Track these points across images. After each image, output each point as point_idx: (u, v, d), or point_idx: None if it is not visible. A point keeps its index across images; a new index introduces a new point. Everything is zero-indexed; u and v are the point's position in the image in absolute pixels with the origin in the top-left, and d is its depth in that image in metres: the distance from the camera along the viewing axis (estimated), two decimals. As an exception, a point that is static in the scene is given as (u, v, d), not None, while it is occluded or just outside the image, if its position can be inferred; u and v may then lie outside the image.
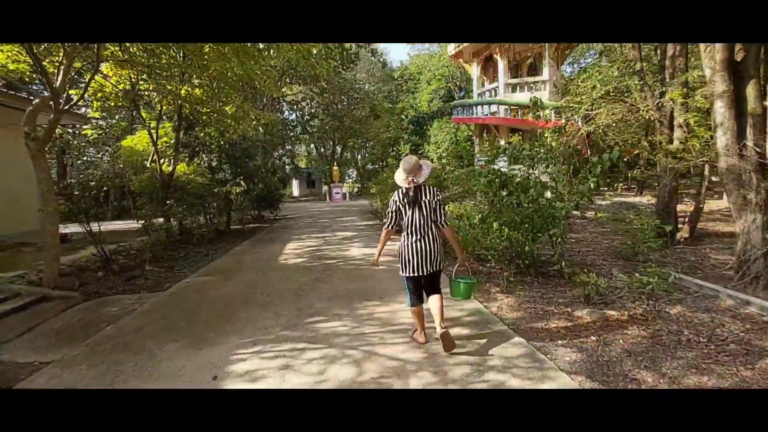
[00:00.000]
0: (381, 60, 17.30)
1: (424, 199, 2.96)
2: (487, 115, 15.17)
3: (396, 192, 3.08)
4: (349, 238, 9.33)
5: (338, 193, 27.50)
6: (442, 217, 3.00)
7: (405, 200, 2.98)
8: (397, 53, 75.81)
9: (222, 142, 9.88)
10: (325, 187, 33.51)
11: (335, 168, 28.55)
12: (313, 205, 24.69)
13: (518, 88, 15.33)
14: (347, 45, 17.87)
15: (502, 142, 15.41)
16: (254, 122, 9.44)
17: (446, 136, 27.14)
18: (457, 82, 27.00)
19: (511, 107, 14.45)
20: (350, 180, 47.12)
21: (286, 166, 33.40)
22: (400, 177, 3.02)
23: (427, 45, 28.61)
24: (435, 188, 3.06)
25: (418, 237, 2.94)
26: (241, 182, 9.57)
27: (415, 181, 2.93)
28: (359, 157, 43.68)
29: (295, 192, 44.03)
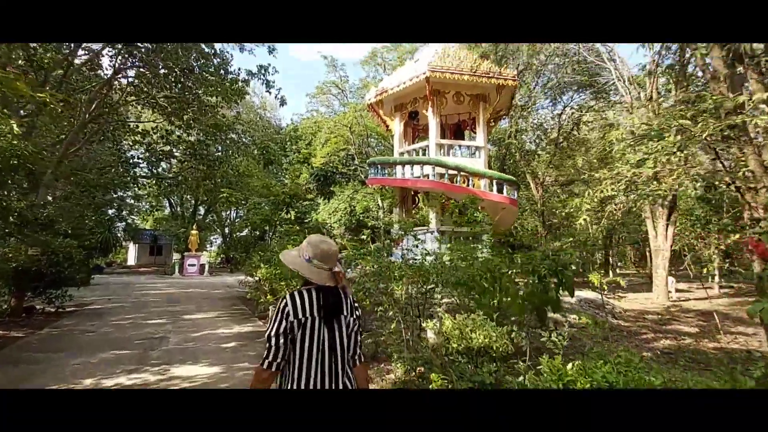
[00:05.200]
0: (278, 96, 12.92)
1: (345, 314, 1.59)
2: (418, 177, 11.86)
3: (290, 296, 1.52)
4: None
5: (193, 265, 20.38)
6: (358, 350, 1.68)
7: (314, 311, 1.51)
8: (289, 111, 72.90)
9: None
10: (176, 256, 25.32)
11: (194, 232, 21.49)
12: (151, 282, 16.81)
13: (450, 151, 12.70)
14: (233, 76, 13.05)
15: (432, 214, 12.12)
16: None
17: (341, 205, 23.39)
18: (358, 147, 24.21)
19: (449, 172, 11.48)
20: (212, 248, 38.47)
21: (118, 224, 24.54)
22: (310, 267, 1.57)
23: (328, 102, 25.70)
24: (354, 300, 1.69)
25: (326, 382, 1.52)
26: None
27: (343, 274, 1.62)
28: (227, 220, 36.16)
29: (131, 260, 33.26)
